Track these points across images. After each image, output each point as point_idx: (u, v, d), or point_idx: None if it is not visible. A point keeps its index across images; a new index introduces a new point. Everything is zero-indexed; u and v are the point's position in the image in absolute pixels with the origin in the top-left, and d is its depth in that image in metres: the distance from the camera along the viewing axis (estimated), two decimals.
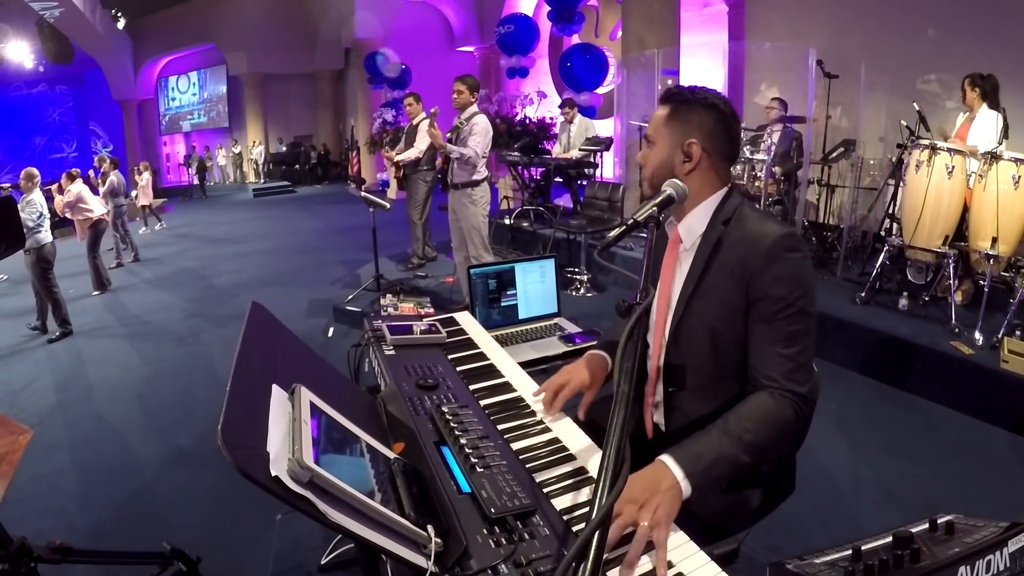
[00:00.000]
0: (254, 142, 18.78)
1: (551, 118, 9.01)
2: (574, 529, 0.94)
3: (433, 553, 0.84)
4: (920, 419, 2.95)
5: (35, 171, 5.26)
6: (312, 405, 0.96)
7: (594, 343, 1.70)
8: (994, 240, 3.30)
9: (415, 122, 5.49)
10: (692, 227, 1.21)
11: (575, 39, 10.30)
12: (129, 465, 2.89)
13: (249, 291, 6.06)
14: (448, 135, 4.04)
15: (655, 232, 1.04)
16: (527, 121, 9.11)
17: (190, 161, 18.71)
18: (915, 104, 4.41)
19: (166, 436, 3.15)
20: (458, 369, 1.50)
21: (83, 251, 6.52)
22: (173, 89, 22.13)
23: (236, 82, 19.26)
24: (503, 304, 2.15)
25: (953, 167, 3.48)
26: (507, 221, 6.44)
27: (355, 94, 16.32)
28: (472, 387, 1.40)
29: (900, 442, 2.75)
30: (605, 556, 0.76)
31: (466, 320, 1.86)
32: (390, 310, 1.92)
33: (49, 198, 6.25)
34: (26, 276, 5.26)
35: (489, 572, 0.84)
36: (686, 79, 5.50)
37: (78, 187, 6.48)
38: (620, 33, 7.81)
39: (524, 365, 1.59)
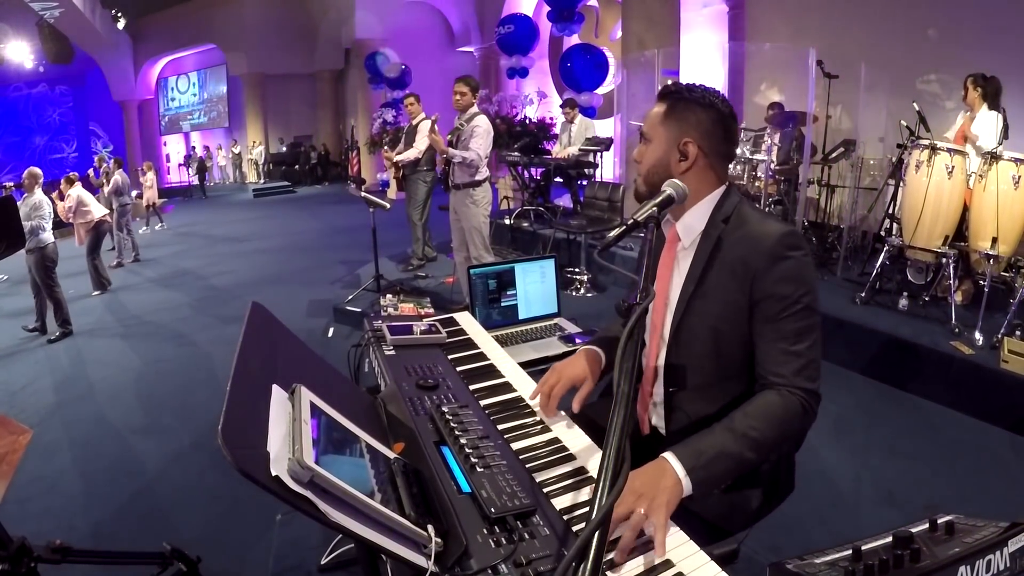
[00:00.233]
0: (254, 142, 18.78)
1: (551, 118, 9.02)
2: (574, 529, 0.93)
3: (433, 553, 0.84)
4: (920, 419, 2.95)
5: (38, 171, 5.26)
6: (312, 405, 0.96)
7: None
8: (994, 240, 3.31)
9: (415, 122, 5.49)
10: (691, 225, 1.21)
11: (575, 39, 10.31)
12: (129, 465, 2.89)
13: (249, 291, 6.06)
14: (449, 137, 4.04)
15: (654, 232, 1.04)
16: (527, 121, 9.13)
17: (190, 161, 18.71)
18: (915, 104, 4.41)
19: (166, 436, 3.15)
20: (458, 369, 1.50)
21: (82, 251, 6.51)
22: (173, 89, 22.14)
23: (236, 82, 19.27)
24: (503, 304, 2.15)
25: (953, 167, 3.48)
26: (507, 221, 6.43)
27: (355, 94, 16.32)
28: (472, 387, 1.40)
29: (900, 442, 2.75)
30: (605, 556, 0.76)
31: (466, 320, 1.86)
32: (390, 310, 1.92)
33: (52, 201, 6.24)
34: (26, 276, 5.26)
35: (489, 572, 0.83)
36: (686, 79, 5.47)
37: (76, 191, 6.47)
38: (620, 33, 7.82)
39: (524, 365, 1.59)
